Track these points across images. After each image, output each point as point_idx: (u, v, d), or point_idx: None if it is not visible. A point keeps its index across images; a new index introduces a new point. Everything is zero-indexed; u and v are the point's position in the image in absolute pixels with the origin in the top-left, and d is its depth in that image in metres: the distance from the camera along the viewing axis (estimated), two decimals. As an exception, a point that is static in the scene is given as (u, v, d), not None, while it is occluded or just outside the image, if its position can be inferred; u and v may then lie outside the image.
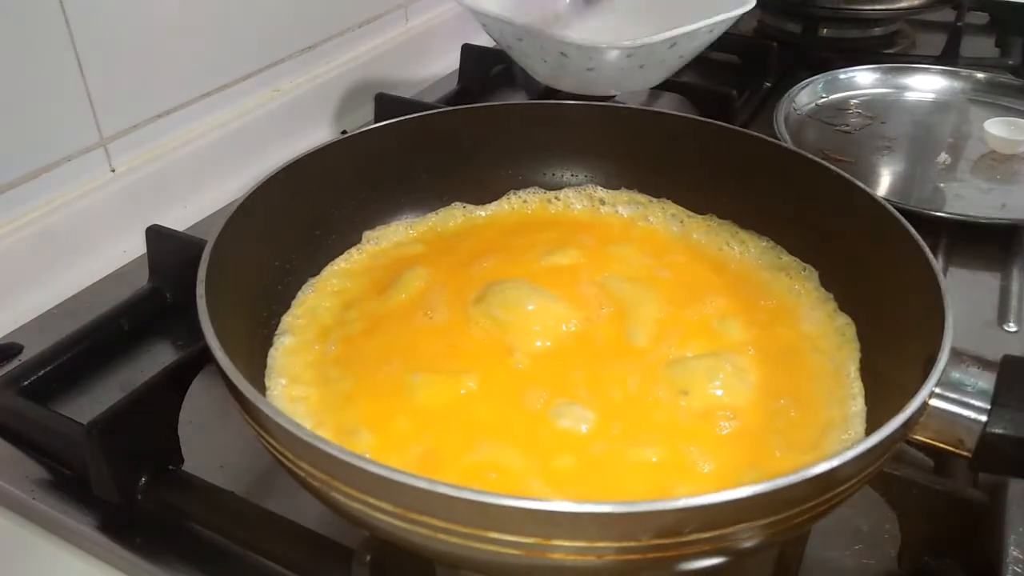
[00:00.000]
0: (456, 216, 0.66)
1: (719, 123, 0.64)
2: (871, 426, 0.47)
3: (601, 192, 0.68)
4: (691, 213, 0.65)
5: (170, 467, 0.52)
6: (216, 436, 0.55)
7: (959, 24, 1.10)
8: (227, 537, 0.48)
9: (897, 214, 0.52)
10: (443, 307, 0.56)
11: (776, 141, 0.63)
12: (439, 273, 0.59)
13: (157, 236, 0.66)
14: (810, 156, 0.59)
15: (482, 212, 0.67)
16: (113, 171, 0.75)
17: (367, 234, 0.63)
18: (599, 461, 0.45)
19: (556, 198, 0.67)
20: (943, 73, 0.99)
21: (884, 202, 0.53)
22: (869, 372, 0.51)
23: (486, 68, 1.03)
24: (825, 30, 1.14)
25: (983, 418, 0.41)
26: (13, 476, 0.52)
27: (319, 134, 0.94)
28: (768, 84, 1.01)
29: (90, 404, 0.57)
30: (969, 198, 0.80)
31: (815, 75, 0.97)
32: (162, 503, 0.50)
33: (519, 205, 0.68)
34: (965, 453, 0.42)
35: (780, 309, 0.56)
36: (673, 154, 0.65)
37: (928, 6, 1.15)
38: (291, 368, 0.52)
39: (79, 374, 0.60)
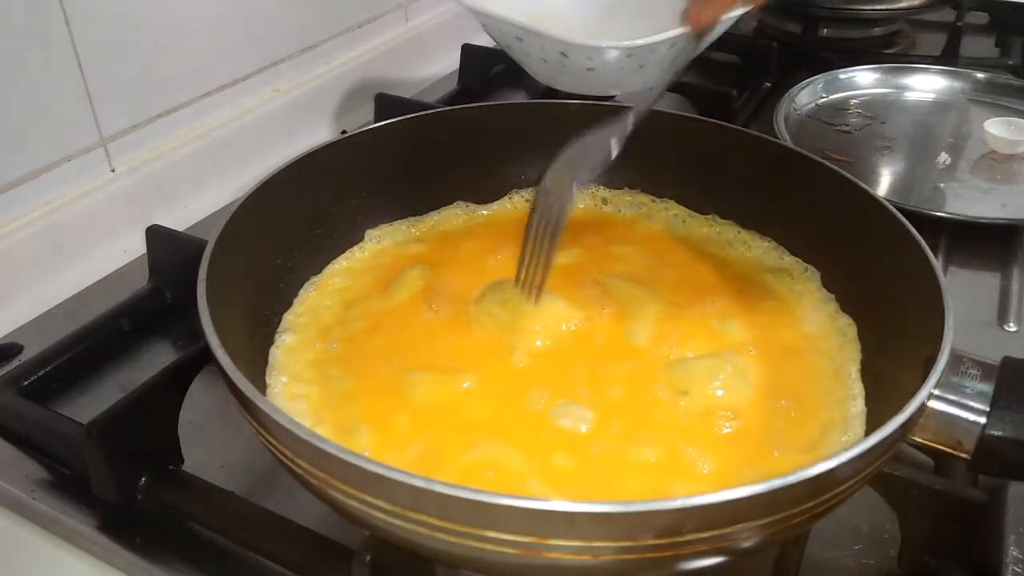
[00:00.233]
0: (458, 215, 0.66)
1: (722, 123, 0.64)
2: (871, 427, 0.47)
3: (603, 192, 0.68)
4: (693, 213, 0.66)
5: (170, 467, 0.52)
6: (216, 436, 0.55)
7: (959, 24, 1.10)
8: (227, 537, 0.48)
9: (898, 214, 0.52)
10: (444, 306, 0.56)
11: (779, 141, 0.63)
12: (440, 272, 0.59)
13: (157, 236, 0.66)
14: (812, 156, 0.59)
15: (484, 211, 0.67)
16: (113, 171, 0.75)
17: (369, 233, 0.63)
18: (598, 461, 0.45)
19: (557, 198, 0.67)
20: (943, 73, 0.99)
21: (885, 202, 0.53)
22: (869, 373, 0.51)
23: (486, 68, 1.03)
24: (825, 30, 1.14)
25: (982, 420, 0.41)
26: (13, 476, 0.52)
27: (319, 134, 0.94)
28: (768, 84, 1.01)
29: (90, 404, 0.57)
30: (969, 198, 0.80)
31: (815, 75, 0.97)
32: (162, 503, 0.50)
33: (521, 204, 0.68)
34: (964, 455, 0.42)
35: (781, 310, 0.56)
36: (676, 154, 0.65)
37: (928, 6, 1.15)
38: (292, 366, 0.52)
39: (79, 374, 0.60)
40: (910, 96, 0.98)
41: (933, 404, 0.41)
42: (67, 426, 0.52)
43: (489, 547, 0.34)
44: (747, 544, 0.35)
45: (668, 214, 0.66)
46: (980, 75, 0.98)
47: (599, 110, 0.67)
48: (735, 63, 1.03)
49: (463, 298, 0.56)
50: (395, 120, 0.64)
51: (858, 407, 0.49)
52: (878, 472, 0.39)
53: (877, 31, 1.16)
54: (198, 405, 0.54)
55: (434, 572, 0.44)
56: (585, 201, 0.67)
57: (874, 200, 0.54)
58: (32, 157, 0.69)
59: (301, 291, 0.58)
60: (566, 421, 0.47)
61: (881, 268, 0.53)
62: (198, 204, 0.80)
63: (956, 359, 0.42)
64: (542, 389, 0.49)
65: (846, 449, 0.35)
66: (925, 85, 0.99)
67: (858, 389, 0.50)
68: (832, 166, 0.58)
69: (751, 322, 0.55)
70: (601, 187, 0.68)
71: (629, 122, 0.54)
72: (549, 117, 0.68)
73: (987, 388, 0.41)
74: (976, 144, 0.88)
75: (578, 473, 0.45)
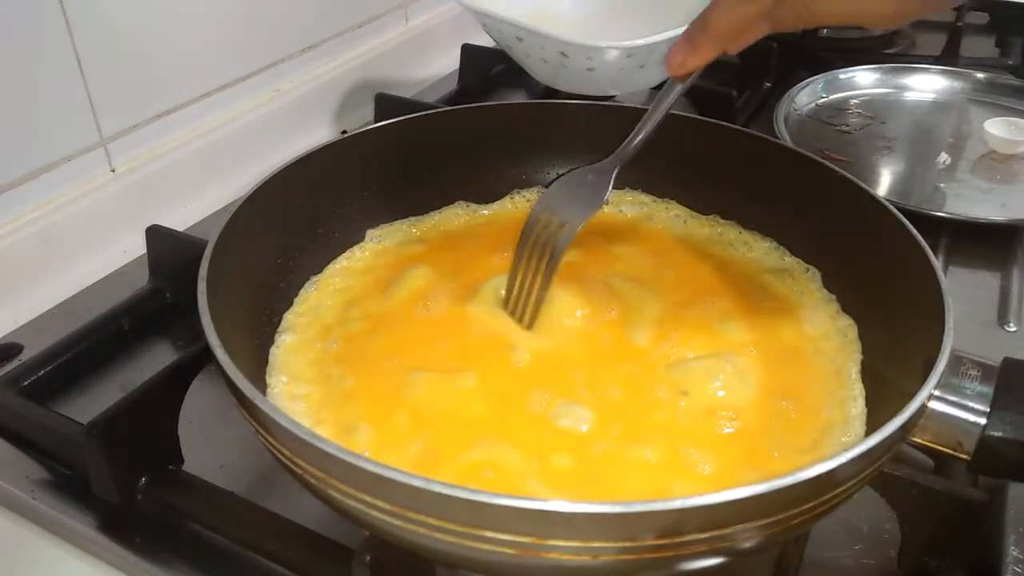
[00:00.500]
0: (459, 215, 0.66)
1: (722, 123, 0.64)
2: (871, 428, 0.47)
3: (604, 192, 0.68)
4: (694, 213, 0.66)
5: (170, 467, 0.52)
6: (216, 436, 0.55)
7: (959, 24, 1.10)
8: (227, 537, 0.48)
9: (898, 214, 0.52)
10: (445, 306, 0.56)
11: (780, 141, 0.63)
12: (441, 272, 0.59)
13: (157, 236, 0.66)
14: (813, 156, 0.59)
15: (485, 211, 0.67)
16: (113, 171, 0.75)
17: (370, 232, 0.63)
18: (598, 461, 0.45)
19: (558, 198, 0.67)
20: (943, 73, 0.99)
21: (885, 202, 0.53)
22: (870, 373, 0.51)
23: (486, 68, 1.03)
24: (825, 30, 1.14)
25: (982, 421, 0.41)
26: (13, 476, 0.52)
27: (319, 134, 0.94)
28: (768, 84, 1.01)
29: (90, 404, 0.57)
30: (969, 198, 0.80)
31: (815, 75, 0.97)
32: (162, 503, 0.50)
33: (522, 204, 0.68)
34: (964, 456, 0.42)
35: (782, 310, 0.56)
36: (676, 154, 0.65)
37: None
38: (292, 366, 0.52)
39: (79, 374, 0.60)
40: (910, 96, 0.98)
41: (933, 405, 0.41)
42: (67, 426, 0.52)
43: (489, 547, 0.34)
44: (747, 544, 0.35)
45: (669, 214, 0.66)
46: (980, 75, 0.98)
47: (599, 110, 0.68)
48: (735, 63, 1.03)
49: (464, 298, 0.56)
50: (395, 120, 0.64)
51: (858, 408, 0.49)
52: (878, 472, 0.39)
53: (877, 31, 1.16)
54: (198, 405, 0.54)
55: (434, 572, 0.44)
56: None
57: (874, 200, 0.54)
58: (32, 157, 0.69)
59: (302, 291, 0.58)
60: (566, 421, 0.47)
61: (881, 268, 0.53)
62: (198, 204, 0.80)
63: (956, 360, 0.42)
64: (542, 389, 0.49)
65: (846, 450, 0.35)
66: (925, 85, 0.99)
67: (858, 390, 0.50)
68: (832, 166, 0.58)
69: (752, 322, 0.55)
70: (601, 187, 0.68)
71: (629, 152, 0.54)
72: (549, 117, 0.68)
73: (987, 389, 0.41)
74: (976, 144, 0.88)
75: (578, 473, 0.45)
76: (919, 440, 0.42)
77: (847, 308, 0.55)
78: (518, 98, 1.00)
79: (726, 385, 0.50)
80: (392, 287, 0.58)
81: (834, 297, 0.57)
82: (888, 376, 0.48)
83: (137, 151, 0.77)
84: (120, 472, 0.49)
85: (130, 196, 0.75)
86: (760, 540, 0.36)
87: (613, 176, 0.55)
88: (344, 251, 0.61)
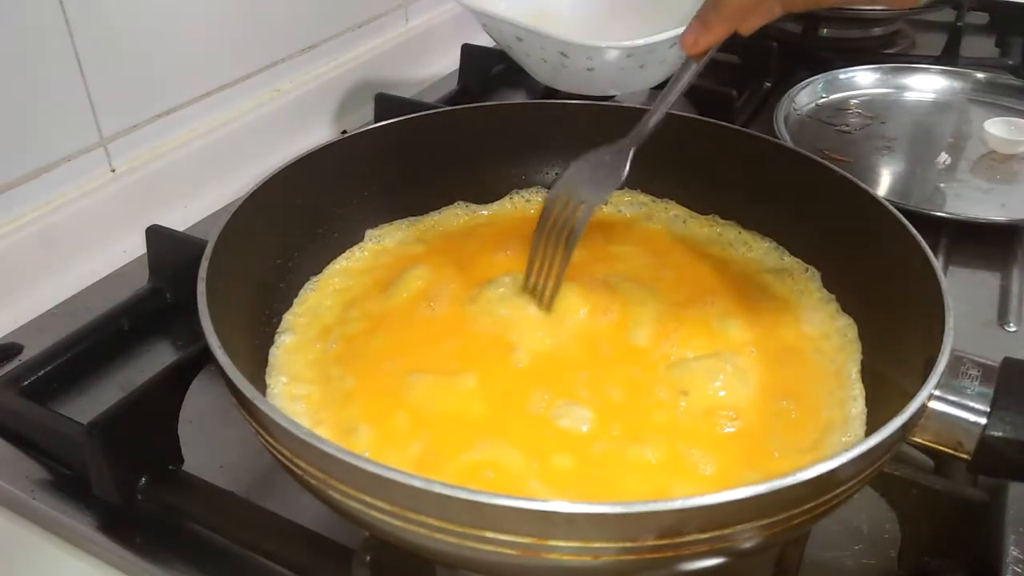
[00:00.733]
0: (458, 215, 0.66)
1: (722, 123, 0.64)
2: (871, 428, 0.47)
3: (603, 192, 0.68)
4: (694, 213, 0.66)
5: (170, 467, 0.52)
6: (216, 436, 0.55)
7: (959, 24, 1.10)
8: (227, 537, 0.48)
9: (898, 214, 0.52)
10: (445, 306, 0.56)
11: (779, 141, 0.63)
12: (441, 272, 0.59)
13: (157, 236, 0.66)
14: (812, 156, 0.59)
15: (484, 211, 0.67)
16: (113, 171, 0.75)
17: (369, 232, 0.63)
18: (599, 461, 0.45)
19: (558, 198, 0.67)
20: (943, 73, 0.99)
21: (885, 202, 0.53)
22: (870, 373, 0.51)
23: (486, 68, 1.03)
24: (825, 30, 1.14)
25: (982, 421, 0.41)
26: (13, 476, 0.52)
27: (319, 134, 0.94)
28: (768, 84, 1.01)
29: (90, 404, 0.57)
30: (969, 198, 0.80)
31: (815, 75, 0.97)
32: (162, 503, 0.50)
33: (521, 204, 0.68)
34: (964, 456, 0.42)
35: (782, 310, 0.56)
36: (676, 154, 0.65)
37: (928, 6, 1.15)
38: (292, 366, 0.52)
39: (79, 374, 0.60)
40: (910, 96, 0.98)
41: (933, 405, 0.41)
42: (67, 426, 0.52)
43: (489, 548, 0.34)
44: (748, 545, 0.35)
45: (668, 214, 0.66)
46: (980, 75, 0.98)
47: (599, 110, 0.68)
48: (735, 63, 1.03)
49: (463, 298, 0.56)
50: (395, 120, 0.64)
51: (858, 408, 0.49)
52: (878, 472, 0.39)
53: (877, 31, 1.16)
54: (198, 405, 0.54)
55: (434, 572, 0.44)
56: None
57: (874, 200, 0.54)
58: (32, 157, 0.69)
59: (301, 291, 0.58)
60: (566, 421, 0.47)
61: (881, 268, 0.53)
62: (198, 204, 0.80)
63: (956, 360, 0.42)
64: (542, 389, 0.49)
65: (847, 450, 0.35)
66: (925, 85, 0.99)
67: (858, 390, 0.50)
68: (832, 166, 0.58)
69: (751, 322, 0.55)
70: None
71: (645, 131, 0.54)
72: (549, 117, 0.68)
73: (987, 389, 0.41)
74: (976, 144, 0.88)
75: (578, 474, 0.45)
76: (919, 440, 0.42)
77: (847, 308, 0.55)
78: (518, 98, 1.00)
79: (726, 385, 0.50)
80: (392, 287, 0.58)
81: (834, 297, 0.57)
82: (888, 376, 0.48)
83: (137, 151, 0.77)
84: (120, 472, 0.49)
85: (130, 196, 0.75)
86: (761, 540, 0.36)
87: (631, 155, 0.54)
88: (344, 251, 0.61)
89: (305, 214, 0.59)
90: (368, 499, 0.35)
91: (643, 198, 0.67)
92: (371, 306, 0.57)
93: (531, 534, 0.33)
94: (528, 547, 0.34)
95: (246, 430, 0.41)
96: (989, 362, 0.43)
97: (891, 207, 0.52)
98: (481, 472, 0.44)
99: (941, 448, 0.42)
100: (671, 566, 0.36)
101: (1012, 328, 0.65)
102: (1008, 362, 0.43)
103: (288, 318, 0.55)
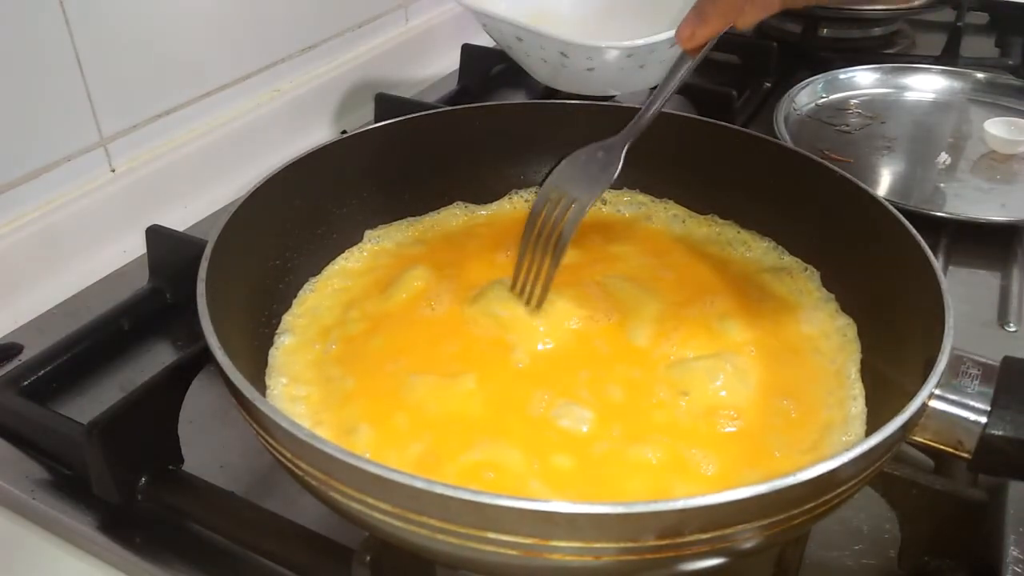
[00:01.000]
0: (457, 215, 0.66)
1: (722, 123, 0.64)
2: (871, 427, 0.47)
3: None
4: (693, 213, 0.66)
5: (170, 467, 0.52)
6: (216, 436, 0.55)
7: (959, 24, 1.10)
8: (227, 537, 0.48)
9: (898, 214, 0.52)
10: (444, 306, 0.56)
11: (778, 141, 0.63)
12: (440, 272, 0.59)
13: (157, 236, 0.66)
14: (812, 156, 0.59)
15: (483, 211, 0.67)
16: (113, 171, 0.75)
17: (368, 233, 0.63)
18: (599, 462, 0.45)
19: (557, 198, 0.67)
20: (943, 73, 0.99)
21: (885, 202, 0.53)
22: (870, 373, 0.51)
23: (486, 68, 1.03)
24: (825, 30, 1.14)
25: (983, 420, 0.41)
26: (13, 476, 0.52)
27: (319, 134, 0.94)
28: (768, 84, 1.01)
29: (90, 404, 0.57)
30: (969, 198, 0.80)
31: (815, 75, 0.97)
32: (162, 503, 0.50)
33: (521, 204, 0.68)
34: (964, 455, 0.42)
35: (781, 310, 0.56)
36: (675, 154, 0.65)
37: (928, 6, 1.15)
38: (292, 367, 0.52)
39: (79, 374, 0.60)
40: (910, 96, 0.98)
41: (934, 404, 0.41)
42: (67, 426, 0.52)
43: (490, 548, 0.34)
44: (748, 545, 0.35)
45: (667, 214, 0.66)
46: (980, 75, 0.98)
47: (599, 110, 0.67)
48: (735, 63, 1.03)
49: (463, 298, 0.56)
50: (395, 120, 0.64)
51: (858, 407, 0.49)
52: (878, 472, 0.39)
53: (877, 31, 1.16)
54: (198, 405, 0.54)
55: (434, 573, 0.44)
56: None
57: (874, 200, 0.54)
58: (32, 157, 0.69)
59: (301, 292, 0.58)
60: (567, 422, 0.47)
61: (881, 268, 0.53)
62: (198, 204, 0.80)
63: (956, 359, 0.42)
64: (542, 389, 0.49)
65: (847, 449, 0.35)
66: (925, 85, 0.99)
67: (858, 389, 0.50)
68: (832, 166, 0.58)
69: (751, 322, 0.55)
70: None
71: (639, 128, 0.54)
72: (549, 117, 0.68)
73: (987, 388, 0.42)
74: (976, 144, 0.88)
75: (579, 474, 0.45)
76: (920, 439, 0.42)
77: (846, 308, 0.55)
78: (518, 98, 1.00)
79: (726, 385, 0.50)
80: (391, 288, 0.58)
81: (833, 296, 0.57)
82: (888, 375, 0.48)
83: (137, 151, 0.77)
84: (120, 472, 0.49)
85: (130, 196, 0.75)
86: (761, 540, 0.36)
87: (623, 152, 0.54)
88: (343, 252, 0.61)
89: (304, 214, 0.59)
90: (369, 500, 0.35)
91: (642, 198, 0.67)
92: (370, 307, 0.57)
93: (532, 534, 0.33)
94: (529, 547, 0.34)
95: (246, 430, 0.41)
96: (989, 361, 0.43)
97: (891, 207, 0.52)
98: (482, 473, 0.44)
99: (941, 447, 0.42)
100: (672, 566, 0.36)
101: (1012, 328, 0.65)
102: (1008, 361, 0.43)
103: (287, 319, 0.55)
